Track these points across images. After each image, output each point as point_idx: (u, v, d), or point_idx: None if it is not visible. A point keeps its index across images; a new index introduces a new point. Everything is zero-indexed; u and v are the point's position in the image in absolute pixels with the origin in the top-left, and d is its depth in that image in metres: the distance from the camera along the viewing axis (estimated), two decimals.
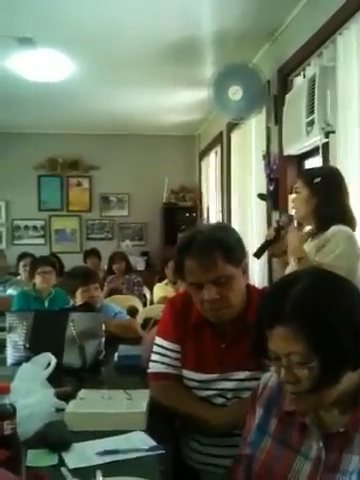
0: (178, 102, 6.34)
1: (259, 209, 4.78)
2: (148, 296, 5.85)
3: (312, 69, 3.53)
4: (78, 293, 3.17)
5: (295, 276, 1.26)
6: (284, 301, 1.14)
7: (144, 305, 5.29)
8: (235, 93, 4.27)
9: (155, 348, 1.90)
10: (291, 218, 2.77)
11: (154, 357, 1.90)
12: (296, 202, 2.66)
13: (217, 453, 1.73)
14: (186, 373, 1.83)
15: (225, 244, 1.70)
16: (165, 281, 5.30)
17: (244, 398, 1.68)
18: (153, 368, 1.89)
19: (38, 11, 3.86)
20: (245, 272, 1.79)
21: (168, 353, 1.86)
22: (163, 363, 1.86)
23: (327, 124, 3.20)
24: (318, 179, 2.56)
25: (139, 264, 7.65)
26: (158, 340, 1.90)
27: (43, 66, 4.92)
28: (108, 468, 1.36)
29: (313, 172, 2.75)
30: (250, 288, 1.85)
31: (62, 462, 1.44)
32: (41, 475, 1.33)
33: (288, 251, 2.62)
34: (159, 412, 1.78)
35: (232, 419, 1.64)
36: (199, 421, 1.73)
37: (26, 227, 8.07)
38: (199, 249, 1.68)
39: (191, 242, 1.71)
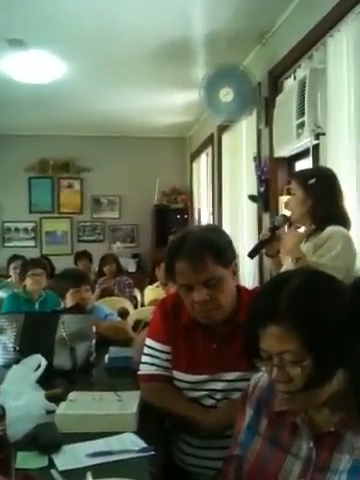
0: (169, 104, 6.34)
1: (250, 210, 4.79)
2: (139, 298, 5.84)
3: (303, 71, 3.54)
4: (69, 295, 3.16)
5: (288, 275, 1.26)
6: (278, 300, 1.14)
7: (135, 307, 5.28)
8: (226, 95, 4.28)
9: (146, 349, 1.90)
10: (286, 218, 2.76)
11: (144, 359, 1.89)
12: (291, 204, 2.66)
13: (208, 455, 1.73)
14: (176, 374, 1.83)
15: (215, 246, 1.70)
16: (156, 283, 5.29)
17: (235, 399, 1.67)
18: (143, 370, 1.89)
19: (28, 12, 3.84)
20: (235, 273, 1.79)
21: (158, 354, 1.86)
22: (153, 364, 1.86)
23: (317, 126, 3.21)
24: (313, 180, 2.56)
25: (130, 266, 7.64)
26: (148, 342, 1.90)
27: (34, 68, 4.90)
28: (98, 470, 1.36)
29: (307, 173, 2.75)
30: (240, 289, 1.86)
31: (52, 464, 1.43)
32: (31, 477, 1.32)
33: (284, 251, 2.62)
34: (150, 413, 1.77)
35: (224, 419, 1.64)
36: (191, 422, 1.73)
37: (17, 229, 8.04)
38: (190, 251, 1.68)
39: (182, 244, 1.72)
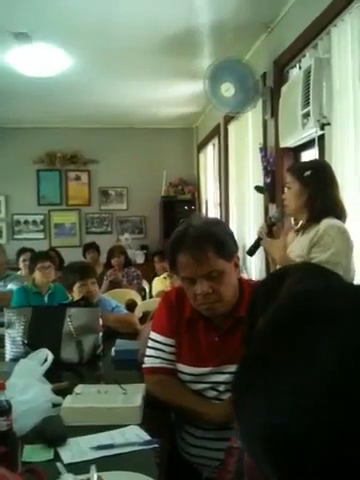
0: (176, 95, 6.33)
1: (257, 201, 4.78)
2: (147, 289, 5.86)
3: (307, 61, 3.52)
4: (75, 288, 3.18)
5: (289, 268, 1.27)
6: (279, 289, 1.15)
7: (143, 298, 5.31)
8: (227, 90, 4.27)
9: (150, 343, 1.92)
10: (283, 214, 2.78)
11: (149, 352, 1.91)
12: (288, 197, 2.68)
13: (212, 446, 1.75)
14: (180, 367, 1.84)
15: (217, 239, 1.72)
16: (164, 274, 5.31)
17: None
18: (148, 363, 1.91)
19: (33, 5, 3.84)
20: (237, 266, 1.81)
21: (163, 347, 1.88)
22: (158, 357, 1.88)
23: (322, 116, 3.20)
24: (308, 172, 2.57)
25: (138, 257, 7.66)
26: (153, 335, 1.92)
27: (40, 60, 4.91)
28: (103, 462, 1.38)
29: (303, 166, 2.78)
30: (242, 282, 1.87)
31: (57, 457, 1.45)
32: (36, 470, 1.34)
33: (274, 259, 2.65)
34: (154, 406, 1.79)
35: (231, 412, 1.65)
36: (196, 415, 1.75)
37: (26, 222, 8.07)
38: (191, 244, 1.70)
39: (183, 237, 1.73)
